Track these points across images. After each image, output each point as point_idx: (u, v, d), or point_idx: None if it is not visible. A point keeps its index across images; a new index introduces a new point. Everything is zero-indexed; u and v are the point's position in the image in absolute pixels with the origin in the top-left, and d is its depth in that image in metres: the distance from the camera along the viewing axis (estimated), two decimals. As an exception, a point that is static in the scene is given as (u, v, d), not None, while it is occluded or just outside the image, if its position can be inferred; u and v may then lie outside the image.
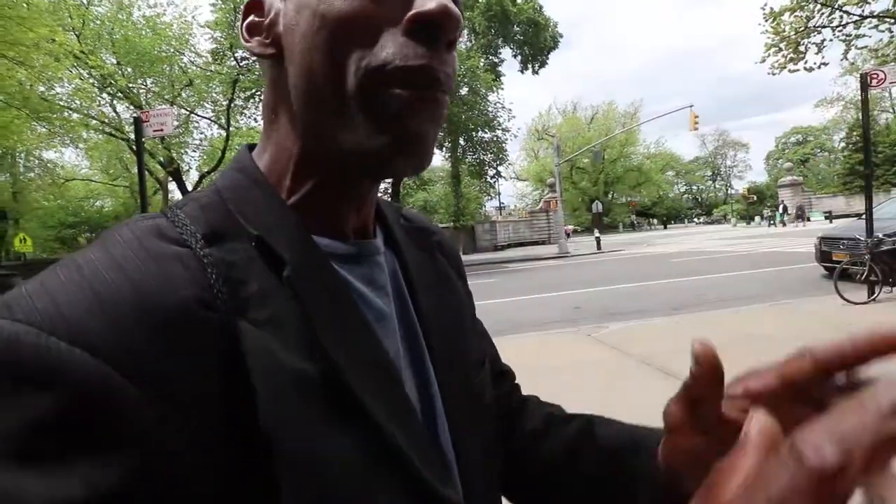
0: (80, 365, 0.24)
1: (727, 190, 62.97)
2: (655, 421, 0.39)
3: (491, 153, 23.07)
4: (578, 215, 42.63)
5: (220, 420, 0.28)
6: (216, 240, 0.32)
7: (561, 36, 26.92)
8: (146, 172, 5.58)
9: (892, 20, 8.83)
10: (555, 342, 5.19)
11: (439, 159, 23.99)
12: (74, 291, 0.26)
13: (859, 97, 7.83)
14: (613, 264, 14.47)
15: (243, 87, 16.28)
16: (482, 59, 21.86)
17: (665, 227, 45.29)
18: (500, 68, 24.49)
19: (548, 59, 26.70)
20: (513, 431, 0.51)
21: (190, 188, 18.64)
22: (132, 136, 14.58)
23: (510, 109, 22.88)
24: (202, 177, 18.61)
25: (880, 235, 7.05)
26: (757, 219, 39.00)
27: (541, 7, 25.74)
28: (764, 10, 9.45)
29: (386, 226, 0.46)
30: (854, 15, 9.03)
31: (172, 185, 23.77)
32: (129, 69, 14.08)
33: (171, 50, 14.58)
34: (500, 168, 25.02)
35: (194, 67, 15.68)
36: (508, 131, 23.27)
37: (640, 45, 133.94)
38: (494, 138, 22.73)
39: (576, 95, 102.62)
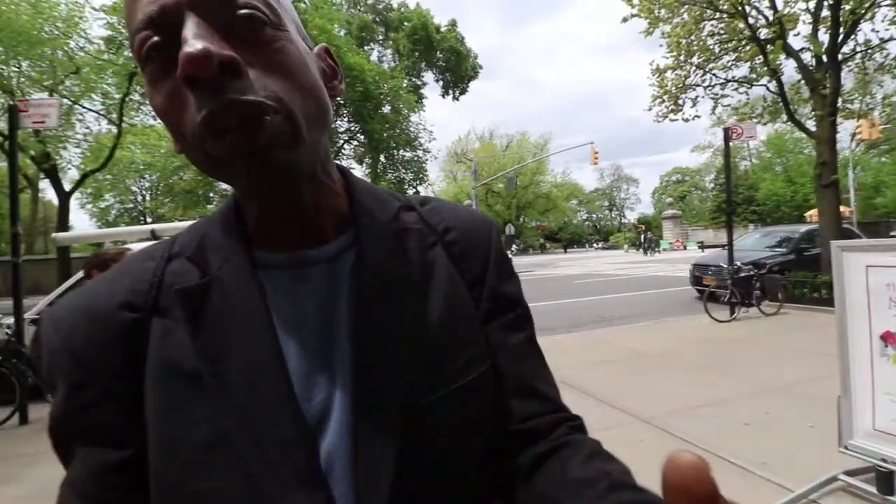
0: (50, 340, 0.42)
1: (621, 219, 69.70)
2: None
3: (411, 172, 23.33)
4: (492, 237, 44.25)
5: (122, 385, 0.41)
6: (176, 256, 0.45)
7: (481, 67, 28.24)
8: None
9: (748, 85, 10.62)
10: (468, 358, 5.34)
11: (360, 174, 23.65)
12: (72, 296, 0.45)
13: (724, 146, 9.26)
14: (525, 285, 15.22)
15: (141, 82, 14.85)
16: (405, 80, 22.22)
17: (565, 251, 48.54)
18: (422, 90, 25.04)
19: (468, 87, 27.85)
20: (523, 456, 0.47)
21: (68, 188, 16.39)
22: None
23: (431, 131, 23.57)
24: (84, 176, 16.47)
25: (739, 264, 8.25)
26: (625, 246, 42.83)
27: (463, 38, 26.88)
28: (652, 66, 10.86)
29: (363, 227, 0.47)
30: (720, 78, 10.74)
31: (45, 184, 20.76)
32: (0, 48, 12.17)
33: (56, 32, 12.86)
34: (419, 187, 25.35)
35: (83, 54, 13.99)
36: (429, 152, 23.79)
37: (553, 83, 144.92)
38: (415, 158, 23.07)
39: (493, 123, 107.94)
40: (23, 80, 13.14)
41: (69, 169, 17.64)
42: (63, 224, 15.52)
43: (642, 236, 35.11)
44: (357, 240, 0.46)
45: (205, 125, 0.35)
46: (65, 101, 13.45)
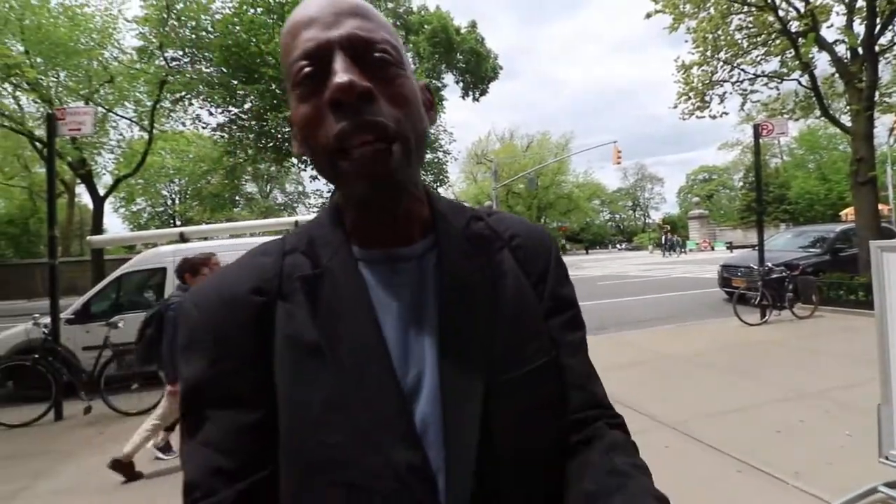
0: (192, 316, 0.51)
1: (645, 219, 68.34)
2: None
3: (432, 174, 23.39)
4: (513, 238, 43.99)
5: (253, 359, 0.49)
6: (291, 251, 0.54)
7: (501, 68, 28.13)
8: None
9: (779, 80, 10.27)
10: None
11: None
12: (209, 281, 0.54)
13: (753, 143, 8.97)
14: (544, 286, 15.03)
15: (171, 90, 15.31)
16: (427, 83, 22.27)
17: (587, 252, 47.74)
18: (442, 92, 25.09)
19: (488, 88, 27.73)
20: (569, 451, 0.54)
21: (102, 193, 17.04)
22: (38, 132, 13.21)
23: (451, 133, 23.47)
24: (117, 181, 17.09)
25: (770, 265, 7.98)
26: (650, 247, 41.84)
27: (483, 39, 26.81)
28: (677, 62, 10.61)
29: (443, 231, 0.56)
30: (749, 73, 10.40)
31: (81, 188, 21.63)
32: (40, 59, 12.73)
33: (92, 43, 13.38)
34: (440, 189, 25.43)
35: (116, 64, 14.54)
36: (449, 153, 23.78)
37: (574, 82, 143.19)
38: (435, 159, 23.12)
39: (513, 124, 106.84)
40: (60, 89, 13.73)
41: (104, 174, 18.36)
42: (97, 227, 16.14)
43: (664, 237, 34.41)
44: (437, 242, 0.55)
45: (339, 138, 0.45)
46: (99, 109, 14.01)
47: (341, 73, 0.44)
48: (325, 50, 0.45)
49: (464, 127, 66.36)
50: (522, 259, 0.58)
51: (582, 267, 24.38)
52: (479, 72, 26.31)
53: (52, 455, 3.75)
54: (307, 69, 0.45)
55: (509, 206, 44.89)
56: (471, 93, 27.69)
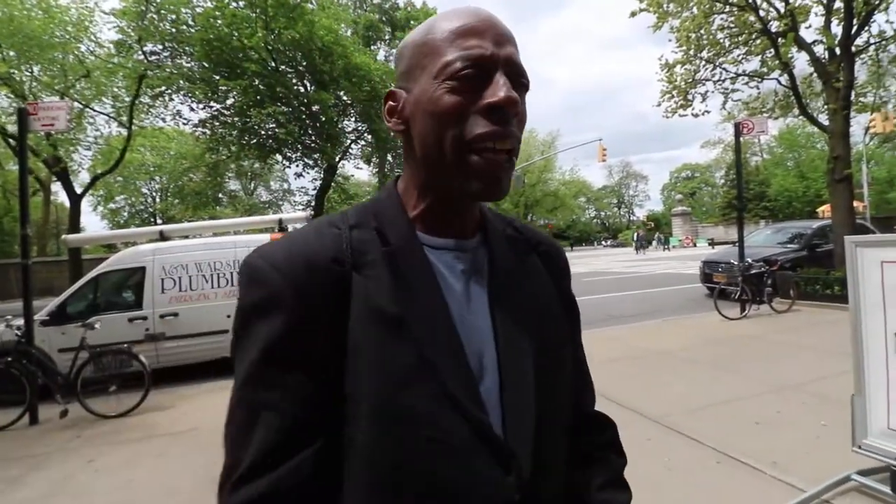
0: (270, 277, 0.52)
1: (630, 216, 69.19)
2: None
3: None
4: (500, 235, 44.24)
5: (329, 327, 0.52)
6: (356, 227, 0.57)
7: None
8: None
9: (759, 79, 10.45)
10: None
11: (367, 174, 23.74)
12: (282, 246, 0.55)
13: (734, 141, 9.12)
14: (530, 282, 15.13)
15: (151, 84, 14.97)
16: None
17: (571, 248, 48.08)
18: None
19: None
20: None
21: (79, 190, 16.61)
22: (10, 128, 12.80)
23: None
24: (95, 178, 16.67)
25: (750, 261, 8.14)
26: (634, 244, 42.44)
27: (468, 35, 26.79)
28: (661, 61, 10.73)
29: (488, 230, 0.65)
30: (731, 72, 10.57)
31: (57, 186, 21.06)
32: (13, 53, 12.33)
33: (67, 36, 13.00)
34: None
35: (93, 58, 14.15)
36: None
37: (561, 80, 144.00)
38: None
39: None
40: (35, 84, 13.33)
41: (80, 171, 17.90)
42: (74, 226, 15.72)
43: (635, 235, 35.08)
44: (485, 240, 0.64)
45: (483, 137, 0.52)
46: (76, 104, 13.63)
47: (508, 89, 0.52)
48: (491, 62, 0.53)
49: (450, 124, 65.99)
50: (547, 262, 0.69)
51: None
52: (465, 69, 26.33)
53: (28, 461, 3.65)
54: (469, 71, 0.52)
55: (496, 203, 44.94)
56: (457, 90, 27.67)
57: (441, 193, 0.58)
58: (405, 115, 0.58)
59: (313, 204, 19.38)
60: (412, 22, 24.90)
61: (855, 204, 10.12)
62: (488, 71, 0.53)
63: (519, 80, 0.55)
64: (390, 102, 0.60)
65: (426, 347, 0.52)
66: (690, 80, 10.65)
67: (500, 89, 0.52)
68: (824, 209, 19.84)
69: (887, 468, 2.35)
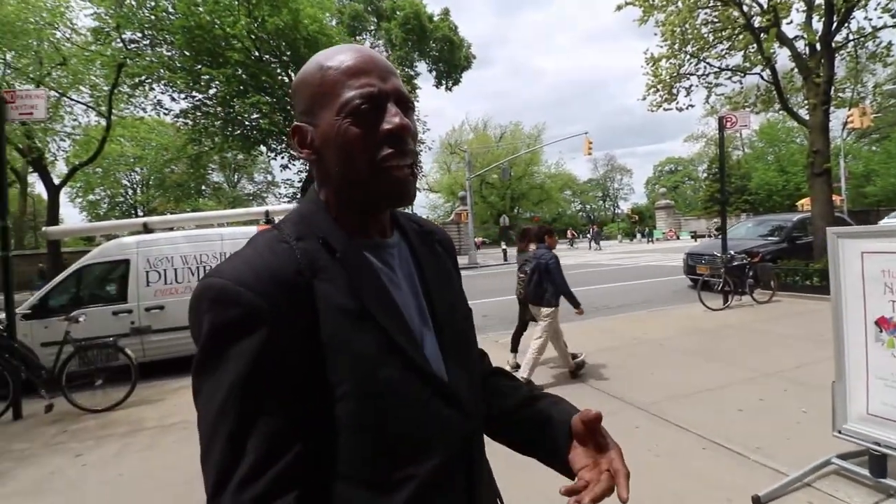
0: (244, 295, 0.56)
1: (615, 209, 69.87)
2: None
3: (405, 164, 23.22)
4: (487, 228, 44.33)
5: (304, 332, 0.58)
6: (300, 239, 0.64)
7: (474, 57, 27.96)
8: None
9: (742, 74, 10.62)
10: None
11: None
12: (241, 265, 0.59)
13: (717, 136, 9.26)
14: (518, 275, 15.24)
15: (130, 73, 14.58)
16: (398, 71, 21.98)
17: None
18: (415, 81, 24.79)
19: (461, 77, 27.55)
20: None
21: (57, 182, 16.15)
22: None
23: (425, 122, 23.26)
24: (73, 169, 16.22)
25: (732, 253, 8.31)
26: (619, 237, 43.12)
27: (456, 27, 26.58)
28: (646, 55, 10.81)
29: (401, 228, 0.76)
30: (714, 66, 10.72)
31: (34, 178, 20.43)
32: (-16, 39, 11.88)
33: (42, 23, 12.57)
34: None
35: (70, 45, 13.71)
36: (423, 143, 23.63)
37: (547, 72, 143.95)
38: (409, 149, 22.91)
39: (487, 113, 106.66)
40: (9, 71, 12.88)
41: (58, 162, 17.40)
42: (53, 217, 15.32)
43: (591, 230, 36.22)
44: (403, 236, 0.76)
45: (388, 158, 0.63)
46: (52, 93, 13.20)
47: (401, 117, 0.64)
48: (381, 96, 0.64)
49: (438, 115, 65.77)
50: (445, 248, 0.84)
51: (554, 256, 24.75)
52: (452, 60, 26.11)
53: (12, 456, 3.58)
54: (365, 106, 0.63)
55: (483, 195, 45.06)
56: (444, 82, 27.51)
57: (362, 205, 0.68)
58: (315, 146, 0.66)
59: (299, 196, 19.14)
60: (398, 12, 24.61)
61: (833, 197, 10.38)
62: (381, 103, 0.64)
63: (406, 105, 0.67)
64: (298, 136, 0.68)
65: (389, 330, 0.62)
66: (675, 74, 10.77)
67: (393, 117, 0.63)
68: (804, 202, 20.32)
69: (866, 452, 2.45)
